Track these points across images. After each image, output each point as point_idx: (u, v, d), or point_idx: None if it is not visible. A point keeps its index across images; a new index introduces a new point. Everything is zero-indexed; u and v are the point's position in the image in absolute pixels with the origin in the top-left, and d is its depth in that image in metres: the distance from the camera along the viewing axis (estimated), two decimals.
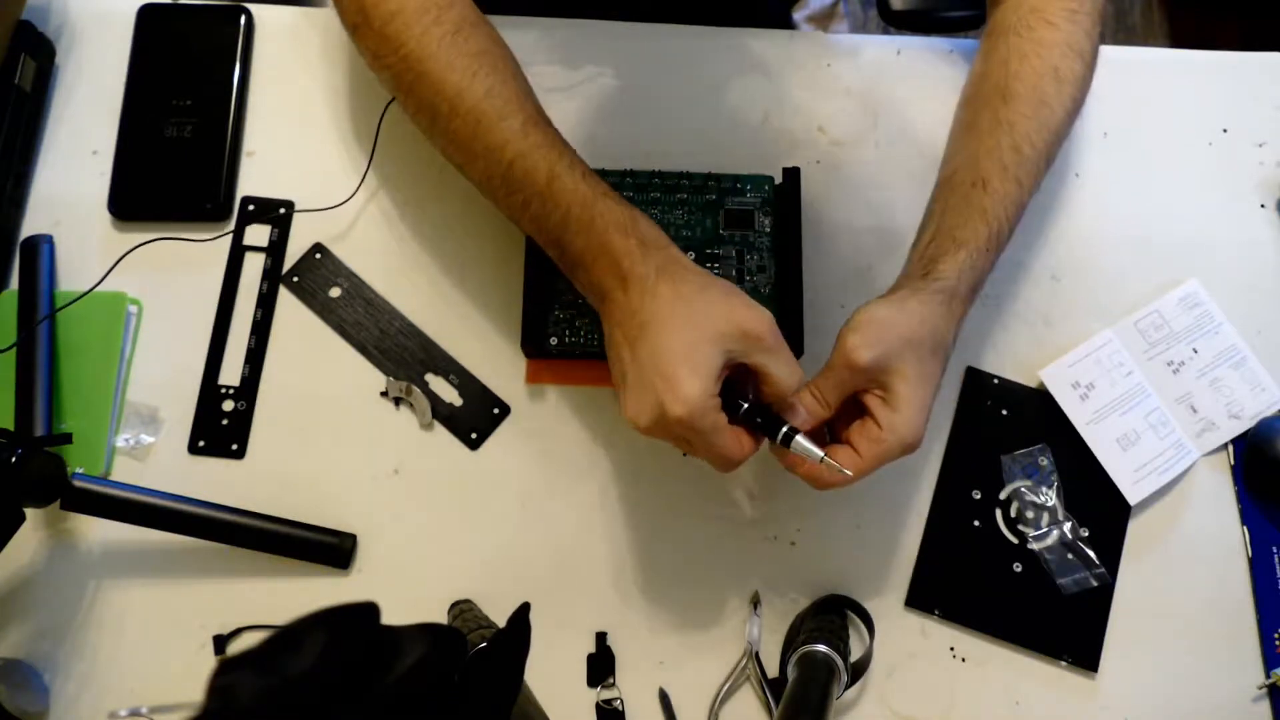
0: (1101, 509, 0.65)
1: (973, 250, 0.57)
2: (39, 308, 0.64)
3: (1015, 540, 0.64)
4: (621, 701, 0.61)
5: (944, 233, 0.58)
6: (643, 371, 0.50)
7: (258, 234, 0.68)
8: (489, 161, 0.55)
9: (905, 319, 0.53)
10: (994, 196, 0.58)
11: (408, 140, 0.70)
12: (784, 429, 0.52)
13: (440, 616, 0.60)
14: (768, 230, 0.66)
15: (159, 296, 0.67)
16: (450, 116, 0.56)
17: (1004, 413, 0.67)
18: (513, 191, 0.55)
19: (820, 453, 0.52)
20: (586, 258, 0.53)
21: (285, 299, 0.67)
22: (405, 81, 0.57)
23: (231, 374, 0.66)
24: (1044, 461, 0.66)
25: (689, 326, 0.50)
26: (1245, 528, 0.65)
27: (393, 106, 0.67)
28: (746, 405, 0.53)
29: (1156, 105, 0.74)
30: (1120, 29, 1.73)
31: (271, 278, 0.67)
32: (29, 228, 0.68)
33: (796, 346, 0.63)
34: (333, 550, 0.62)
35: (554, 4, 0.74)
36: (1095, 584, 0.63)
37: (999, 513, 0.65)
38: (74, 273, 0.66)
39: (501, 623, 0.48)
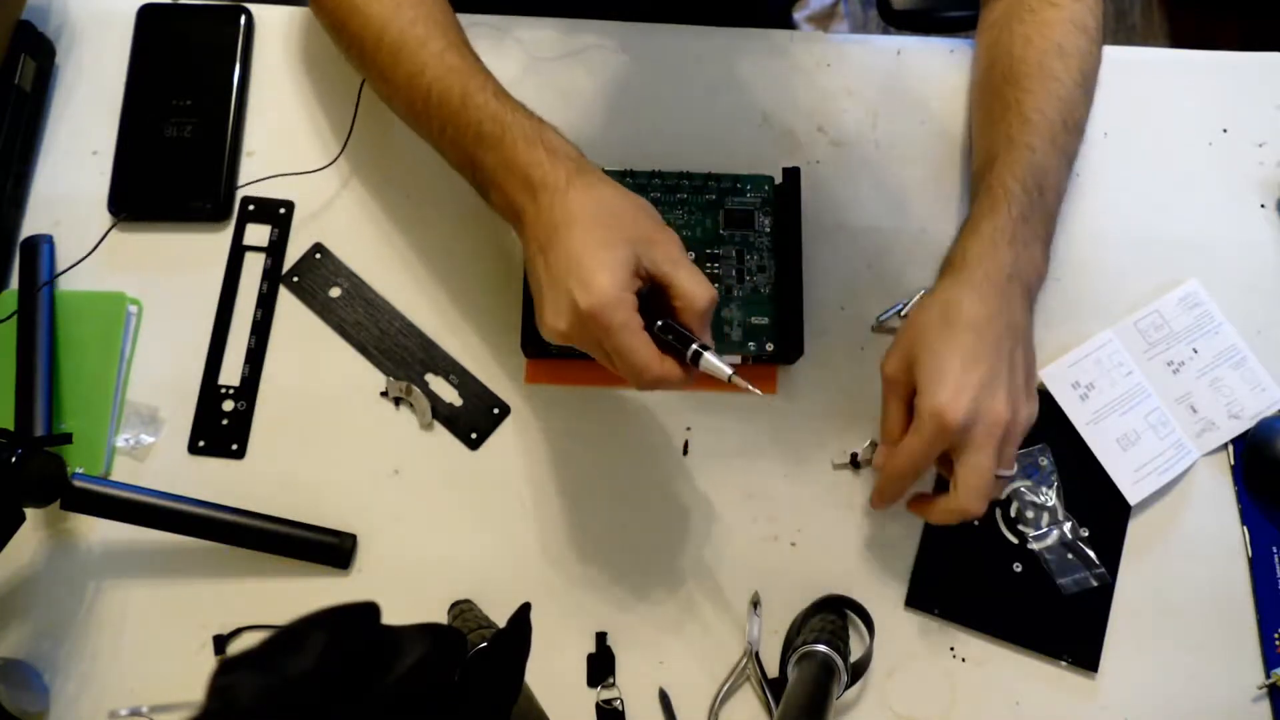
0: (1101, 509, 0.65)
1: (991, 222, 0.56)
2: (39, 307, 0.64)
3: (1015, 540, 0.64)
4: (621, 701, 0.61)
5: (968, 222, 0.58)
6: (555, 273, 0.49)
7: (258, 234, 0.68)
8: (410, 89, 0.56)
9: (918, 314, 0.54)
10: (999, 169, 0.59)
11: (408, 140, 0.70)
12: (693, 346, 0.51)
13: (440, 616, 0.60)
14: (768, 230, 0.66)
15: (159, 296, 0.67)
16: (376, 49, 0.57)
17: None
18: (432, 117, 0.56)
19: (728, 370, 0.51)
20: (498, 174, 0.53)
21: (285, 299, 0.67)
22: (338, 19, 0.60)
23: (231, 374, 0.66)
24: (1044, 461, 0.66)
25: (599, 225, 0.49)
26: (1245, 528, 0.65)
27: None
28: (661, 323, 0.51)
29: (1156, 105, 0.74)
30: (1120, 29, 1.73)
31: (271, 278, 0.67)
32: (29, 228, 0.68)
33: (796, 347, 0.63)
34: (333, 550, 0.62)
35: (554, 4, 0.74)
36: (1095, 584, 0.63)
37: (999, 513, 0.65)
38: (74, 272, 0.66)
39: (501, 623, 0.48)
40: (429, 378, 0.66)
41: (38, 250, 0.66)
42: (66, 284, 0.66)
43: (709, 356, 0.51)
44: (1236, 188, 0.73)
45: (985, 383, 0.52)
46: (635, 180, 0.66)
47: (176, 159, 0.69)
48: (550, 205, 0.51)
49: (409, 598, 0.61)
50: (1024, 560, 0.64)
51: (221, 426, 0.65)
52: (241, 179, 0.69)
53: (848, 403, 0.66)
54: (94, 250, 0.65)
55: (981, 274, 0.55)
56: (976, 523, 0.64)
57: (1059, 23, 0.62)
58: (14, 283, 0.66)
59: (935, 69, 0.74)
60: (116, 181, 0.68)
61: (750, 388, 0.51)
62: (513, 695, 0.40)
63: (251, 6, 0.73)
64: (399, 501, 0.64)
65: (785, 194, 0.66)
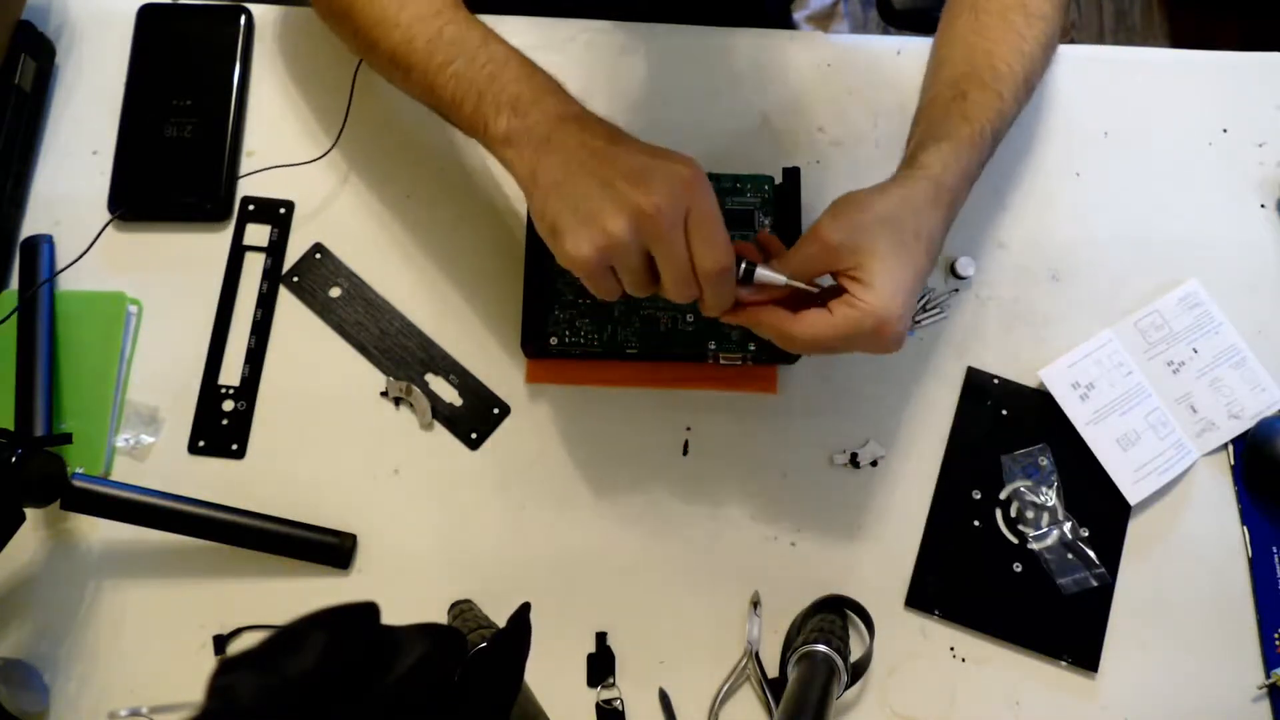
0: (1101, 509, 0.65)
1: (956, 142, 0.56)
2: (39, 307, 0.64)
3: (1015, 540, 0.64)
4: (621, 701, 0.61)
5: (927, 136, 0.57)
6: (622, 166, 0.48)
7: (258, 234, 0.68)
8: (414, 28, 0.57)
9: (883, 200, 0.52)
10: (974, 103, 0.58)
11: (408, 140, 0.70)
12: (744, 264, 0.51)
13: (440, 616, 0.60)
14: (768, 230, 0.66)
15: (159, 296, 0.67)
16: None
17: (1004, 413, 0.67)
18: (435, 54, 0.56)
19: (782, 277, 0.51)
20: (523, 102, 0.53)
21: (285, 299, 0.67)
22: None
23: (231, 374, 0.66)
24: (1044, 461, 0.66)
25: (648, 147, 0.50)
26: (1245, 528, 0.65)
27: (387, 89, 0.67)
28: None
29: (1156, 105, 0.74)
30: (1120, 29, 1.73)
31: (271, 278, 0.67)
32: (29, 228, 0.68)
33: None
34: (333, 550, 0.62)
35: (554, 4, 0.74)
36: (1095, 584, 0.63)
37: (999, 513, 0.65)
38: (74, 272, 0.66)
39: (501, 623, 0.48)
40: (429, 378, 0.66)
41: (38, 250, 0.66)
42: (67, 284, 0.66)
43: (763, 270, 0.51)
44: (1236, 188, 0.73)
45: (915, 293, 0.53)
46: None
47: (176, 159, 0.69)
48: (600, 123, 0.51)
49: (409, 598, 0.61)
50: (1024, 560, 0.64)
51: (221, 426, 0.65)
52: (241, 179, 0.69)
53: (848, 403, 0.67)
54: (90, 247, 0.65)
55: (945, 190, 0.55)
56: (977, 523, 0.64)
57: None
58: (14, 283, 0.66)
59: None
60: (116, 181, 0.68)
61: (807, 287, 0.52)
62: (513, 695, 0.40)
63: (251, 6, 0.73)
64: (399, 501, 0.64)
65: (785, 194, 0.65)
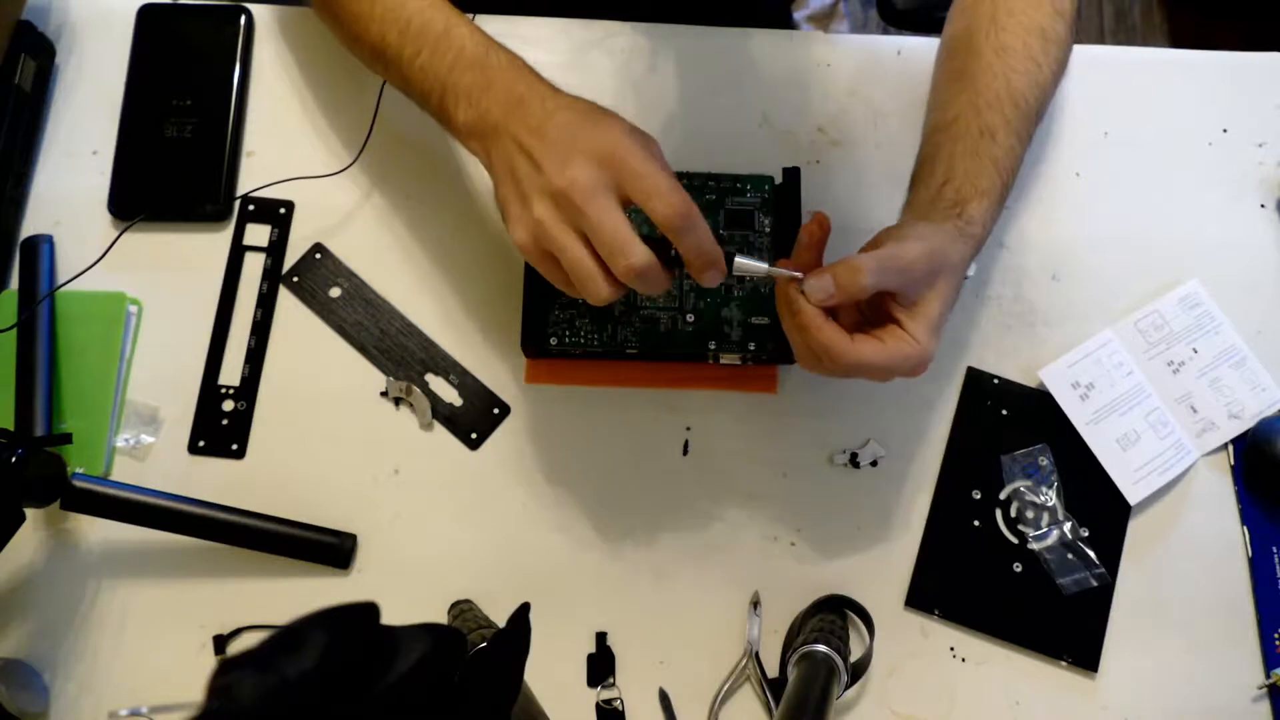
0: (1101, 509, 0.65)
1: (993, 200, 0.58)
2: (39, 307, 0.64)
3: (1015, 540, 0.64)
4: (621, 701, 0.61)
5: (964, 179, 0.58)
6: (556, 138, 0.49)
7: (258, 234, 0.68)
8: (386, 19, 0.58)
9: (954, 248, 0.55)
10: (1002, 148, 0.59)
11: (408, 141, 0.70)
12: (726, 249, 0.51)
13: (440, 616, 0.60)
14: (768, 230, 0.66)
15: (159, 296, 0.67)
16: None
17: (1004, 413, 0.67)
18: (405, 45, 0.57)
19: (764, 265, 0.51)
20: (475, 92, 0.54)
21: (285, 299, 0.67)
22: None
23: (231, 374, 0.66)
24: (1044, 461, 0.66)
25: (593, 113, 0.51)
26: (1245, 528, 0.65)
27: (392, 96, 0.67)
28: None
29: (1156, 105, 0.74)
30: (1120, 29, 1.73)
31: (271, 278, 0.67)
32: (29, 228, 0.68)
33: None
34: (333, 550, 0.62)
35: (554, 4, 0.74)
36: (1095, 584, 0.63)
37: (999, 513, 0.65)
38: (73, 272, 0.66)
39: (501, 623, 0.48)
40: (429, 378, 0.66)
41: (38, 250, 0.66)
42: (66, 284, 0.66)
43: (742, 259, 0.51)
44: (1236, 188, 0.73)
45: (940, 329, 0.54)
46: None
47: (176, 159, 0.69)
48: (543, 100, 0.52)
49: (409, 598, 0.61)
50: (1024, 560, 0.64)
51: (221, 426, 0.65)
52: (242, 179, 0.69)
53: (848, 403, 0.67)
54: (100, 260, 0.65)
55: (978, 245, 0.57)
56: (977, 523, 0.64)
57: (1041, 4, 0.63)
58: (14, 283, 0.66)
59: None
60: (116, 181, 0.68)
61: (791, 274, 0.52)
62: (513, 695, 0.40)
63: (251, 6, 0.73)
64: (399, 501, 0.64)
65: (785, 194, 0.65)
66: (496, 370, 0.66)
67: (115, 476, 0.63)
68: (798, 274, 0.52)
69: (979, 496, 0.65)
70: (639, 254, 0.47)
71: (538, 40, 0.73)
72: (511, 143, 0.51)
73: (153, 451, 0.64)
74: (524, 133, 0.51)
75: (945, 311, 0.54)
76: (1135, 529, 0.65)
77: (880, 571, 0.64)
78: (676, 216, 0.48)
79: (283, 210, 0.69)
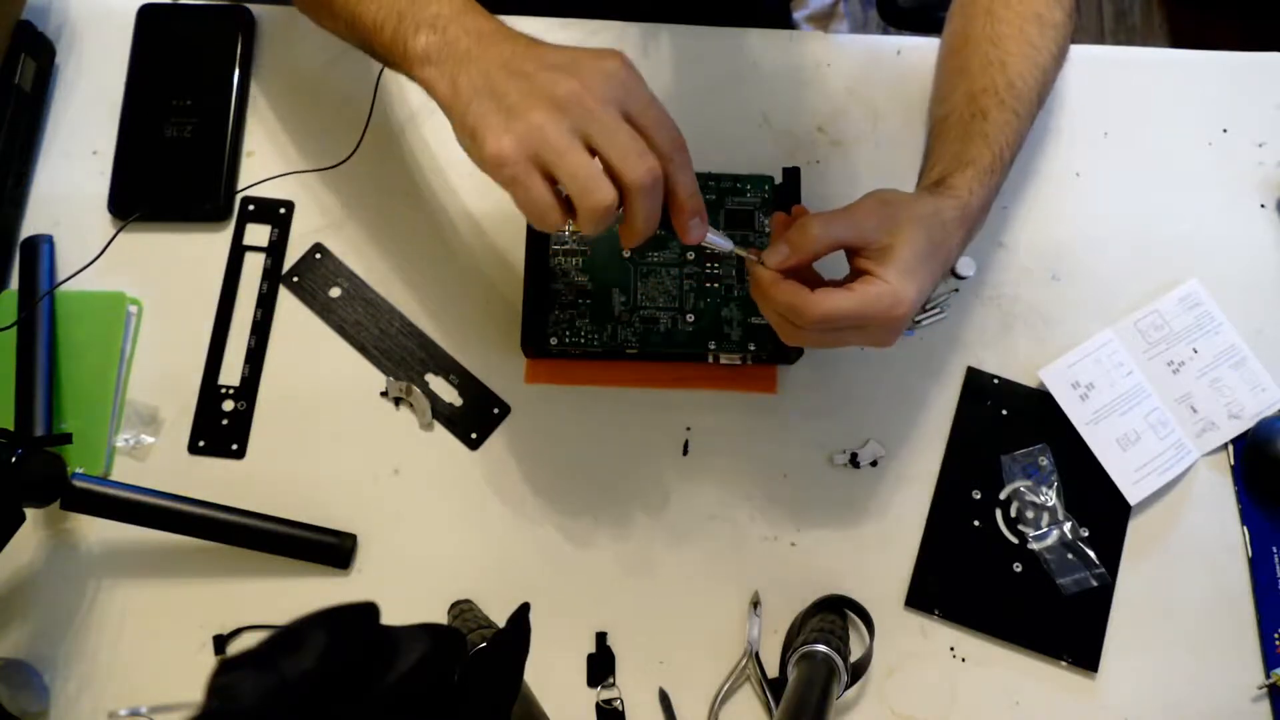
0: (1101, 509, 0.65)
1: (979, 168, 0.58)
2: (39, 307, 0.64)
3: (1015, 540, 0.64)
4: (621, 701, 0.61)
5: (950, 157, 0.58)
6: (528, 71, 0.47)
7: (258, 234, 0.68)
8: None
9: (919, 203, 0.54)
10: (994, 124, 0.59)
11: (408, 141, 0.70)
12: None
13: (440, 616, 0.60)
14: (768, 230, 0.66)
15: (159, 296, 0.67)
16: None
17: (1004, 413, 0.67)
18: None
19: (729, 244, 0.51)
20: (443, 20, 0.51)
21: (285, 299, 0.67)
22: None
23: (231, 374, 0.66)
24: (1044, 461, 0.66)
25: (573, 47, 0.49)
26: (1245, 528, 0.65)
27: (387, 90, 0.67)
28: None
29: (1156, 105, 0.74)
30: (1120, 29, 1.73)
31: (271, 278, 0.67)
32: (29, 228, 0.68)
33: (796, 349, 0.63)
34: (333, 550, 0.62)
35: (554, 4, 0.74)
36: (1095, 584, 0.63)
37: (999, 513, 0.65)
38: (73, 272, 0.66)
39: (501, 623, 0.48)
40: (429, 378, 0.66)
41: (38, 250, 0.66)
42: (66, 284, 0.66)
43: (712, 235, 0.51)
44: (1236, 188, 0.73)
45: (924, 294, 0.54)
46: None
47: (176, 159, 0.69)
48: (524, 38, 0.50)
49: (409, 598, 0.61)
50: (1024, 560, 0.64)
51: (221, 426, 0.65)
52: (242, 179, 0.69)
53: (848, 403, 0.67)
54: (98, 257, 0.65)
55: (969, 214, 0.57)
56: (977, 523, 0.64)
57: None
58: (14, 283, 0.66)
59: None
60: (116, 181, 0.68)
61: (750, 255, 0.52)
62: (513, 695, 0.40)
63: (251, 6, 0.73)
64: (399, 501, 0.64)
65: (785, 194, 0.65)
66: (496, 370, 0.66)
67: (115, 476, 0.63)
68: (755, 255, 0.52)
69: (979, 496, 0.65)
70: (654, 160, 0.45)
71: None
72: (491, 65, 0.48)
73: (152, 451, 0.64)
74: (511, 56, 0.48)
75: (919, 257, 0.52)
76: (1135, 529, 0.65)
77: (880, 571, 0.64)
78: (680, 148, 0.47)
79: (282, 210, 0.69)
